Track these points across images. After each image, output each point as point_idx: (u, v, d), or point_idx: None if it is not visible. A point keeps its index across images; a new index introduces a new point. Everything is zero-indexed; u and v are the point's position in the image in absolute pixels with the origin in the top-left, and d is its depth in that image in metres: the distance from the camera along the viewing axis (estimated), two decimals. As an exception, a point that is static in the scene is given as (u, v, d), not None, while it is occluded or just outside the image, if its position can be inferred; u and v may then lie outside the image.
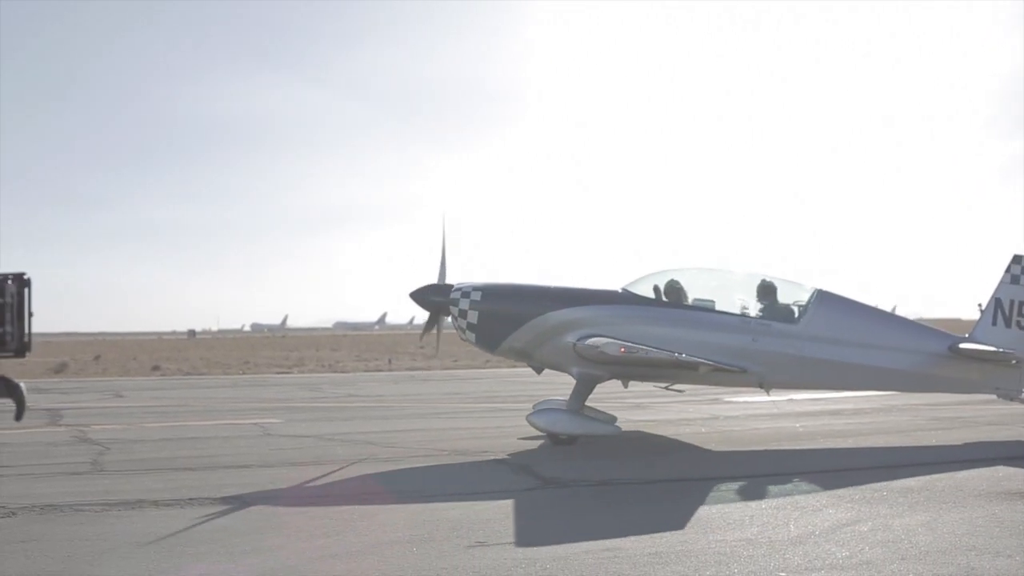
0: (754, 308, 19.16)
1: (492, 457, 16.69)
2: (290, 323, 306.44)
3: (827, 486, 13.41)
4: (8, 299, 4.78)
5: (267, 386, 37.73)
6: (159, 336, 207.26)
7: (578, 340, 18.13)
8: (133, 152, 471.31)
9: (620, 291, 19.41)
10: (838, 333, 18.83)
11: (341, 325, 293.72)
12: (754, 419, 22.65)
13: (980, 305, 20.12)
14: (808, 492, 13.04)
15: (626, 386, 20.70)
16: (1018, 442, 18.38)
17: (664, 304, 19.20)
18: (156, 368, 53.79)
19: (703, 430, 20.68)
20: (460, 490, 13.47)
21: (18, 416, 4.72)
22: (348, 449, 17.68)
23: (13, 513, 11.76)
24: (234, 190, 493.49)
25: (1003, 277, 19.67)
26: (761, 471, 15.12)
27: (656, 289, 19.36)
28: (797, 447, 18.13)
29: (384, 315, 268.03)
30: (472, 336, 19.34)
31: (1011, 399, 19.48)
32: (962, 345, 19.09)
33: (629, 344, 17.59)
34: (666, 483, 14.01)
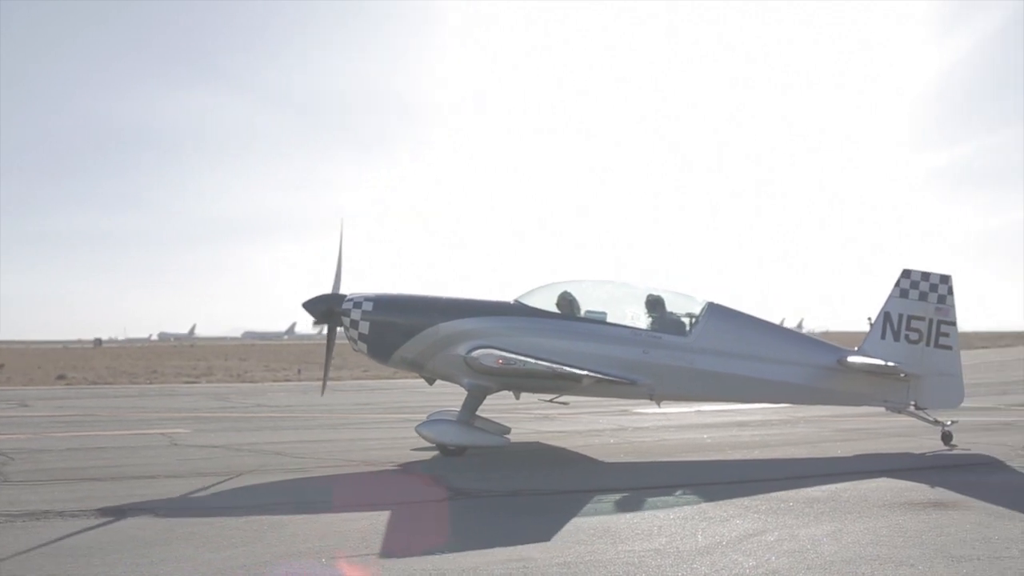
0: (645, 321, 19.32)
1: (402, 468, 16.70)
2: (198, 332, 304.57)
3: (734, 496, 13.53)
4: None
5: (175, 396, 37.44)
6: (64, 345, 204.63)
7: (467, 352, 18.16)
8: (41, 159, 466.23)
9: (512, 303, 19.48)
10: (728, 346, 19.07)
11: (250, 335, 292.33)
12: (662, 430, 22.83)
13: (870, 319, 20.45)
14: (715, 502, 13.14)
15: (517, 397, 20.74)
16: (921, 454, 18.67)
17: (556, 316, 19.28)
18: (61, 377, 53.17)
19: (612, 441, 20.83)
20: (370, 501, 13.44)
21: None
22: (257, 459, 17.59)
23: (-85, 524, 11.59)
24: (143, 198, 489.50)
25: (892, 291, 20.05)
26: (669, 482, 15.22)
27: (548, 301, 19.45)
28: (705, 458, 18.30)
29: (293, 325, 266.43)
30: (364, 347, 19.36)
31: (899, 411, 19.86)
32: (850, 359, 19.45)
33: (507, 355, 17.67)
34: (575, 493, 14.05)
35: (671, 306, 19.55)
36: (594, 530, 11.31)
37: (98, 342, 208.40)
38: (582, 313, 19.41)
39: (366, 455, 18.19)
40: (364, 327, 19.19)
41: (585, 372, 17.90)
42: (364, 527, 11.55)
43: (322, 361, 20.37)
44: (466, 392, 18.79)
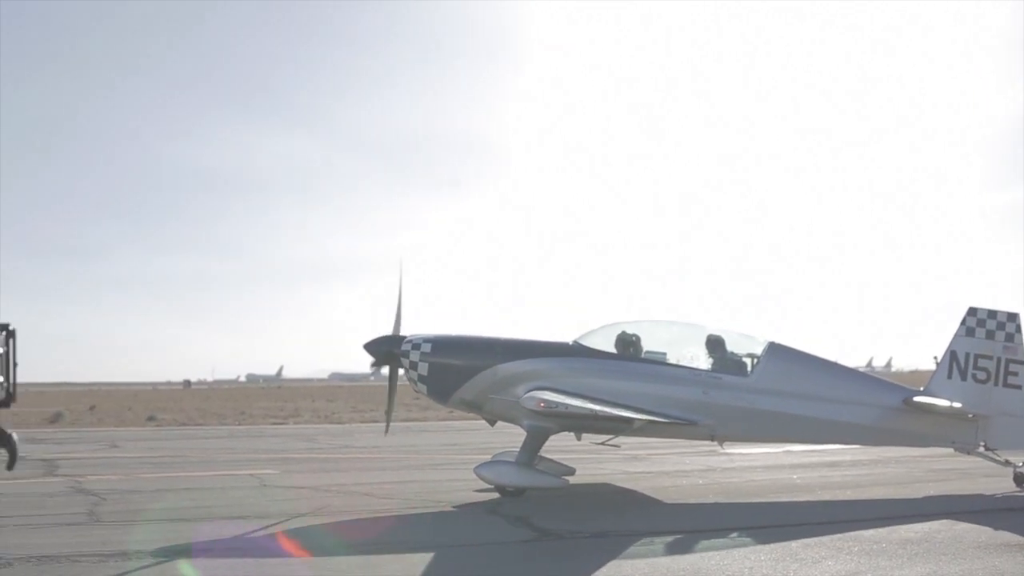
0: (705, 361, 19.11)
1: (489, 509, 16.65)
2: (285, 374, 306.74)
3: (826, 538, 13.36)
4: (0, 349, 4.81)
5: (263, 437, 37.64)
6: (154, 386, 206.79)
7: (525, 393, 18.02)
8: (129, 203, 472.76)
9: (571, 343, 19.38)
10: (790, 386, 18.76)
11: (336, 376, 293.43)
12: (750, 471, 22.62)
13: (936, 358, 20.10)
14: (807, 544, 12.97)
15: (578, 439, 20.51)
16: (1015, 495, 18.33)
17: (615, 357, 19.13)
18: (151, 418, 53.66)
19: (700, 482, 20.64)
20: (456, 541, 13.44)
21: (10, 465, 4.73)
22: (345, 500, 17.64)
23: (9, 564, 11.71)
24: (229, 241, 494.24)
25: (958, 330, 19.61)
26: (759, 523, 15.04)
27: (607, 341, 19.30)
28: (795, 499, 18.10)
29: (380, 368, 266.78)
30: (424, 388, 19.42)
31: (968, 452, 19.44)
32: (916, 399, 19.04)
33: (548, 399, 17.48)
34: (665, 535, 13.93)
35: (732, 346, 19.33)
36: (685, 571, 11.20)
37: (187, 384, 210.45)
38: (642, 354, 19.25)
39: (452, 496, 18.16)
40: (423, 368, 19.23)
41: (632, 414, 17.70)
42: (452, 569, 11.54)
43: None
44: (526, 433, 18.65)
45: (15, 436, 4.42)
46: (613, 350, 19.24)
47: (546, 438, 18.72)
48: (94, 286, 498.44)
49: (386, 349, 19.60)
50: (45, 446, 31.11)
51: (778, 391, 18.67)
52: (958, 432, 19.21)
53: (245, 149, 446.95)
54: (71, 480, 20.98)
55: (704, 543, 13.29)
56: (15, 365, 4.70)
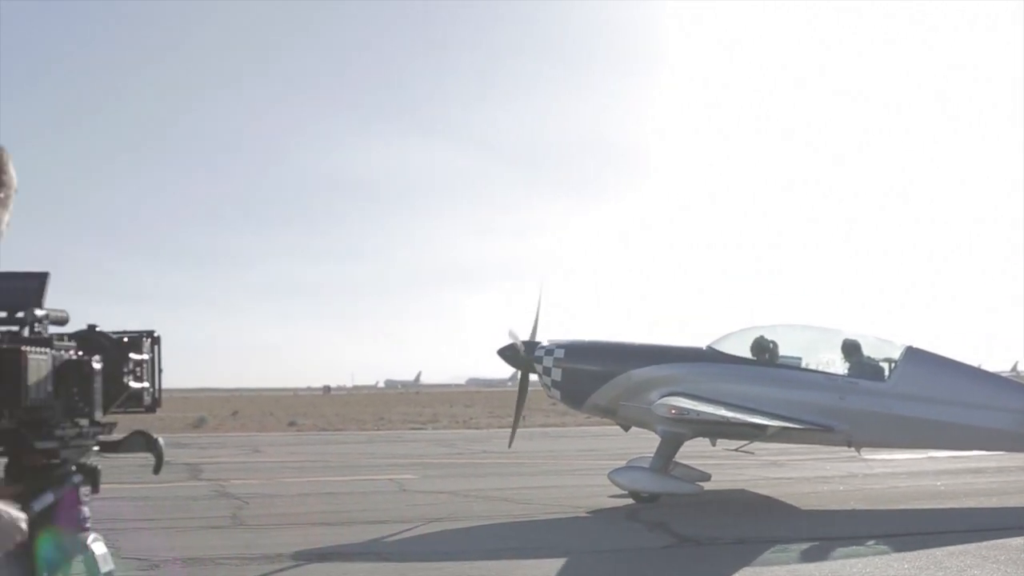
0: (841, 366, 18.77)
1: (628, 514, 16.56)
2: (423, 379, 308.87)
3: (971, 546, 13.06)
4: (147, 356, 4.84)
5: (402, 442, 37.91)
6: (295, 392, 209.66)
7: (659, 399, 17.80)
8: (268, 212, 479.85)
9: (704, 348, 19.21)
10: (929, 391, 18.17)
11: (474, 381, 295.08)
12: (892, 477, 22.22)
13: None
14: (952, 552, 12.68)
15: (713, 444, 20.19)
16: None
17: (749, 362, 18.87)
18: (292, 424, 54.31)
19: (841, 488, 20.34)
20: (595, 547, 13.38)
21: (157, 470, 4.76)
22: (483, 505, 17.66)
23: (156, 566, 11.94)
24: (366, 248, 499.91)
25: None
26: (902, 530, 14.78)
27: (741, 346, 19.05)
28: (938, 506, 17.73)
29: (516, 371, 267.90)
30: (557, 393, 19.41)
31: None
32: None
33: (679, 405, 17.23)
34: (804, 541, 13.72)
35: (869, 351, 18.91)
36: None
37: (327, 389, 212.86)
38: (777, 359, 18.98)
39: (591, 501, 18.08)
40: (557, 374, 19.18)
41: (764, 420, 17.42)
42: (589, 574, 11.49)
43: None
44: (660, 439, 18.45)
45: (161, 441, 4.49)
46: (748, 355, 18.98)
47: (680, 444, 18.49)
48: (237, 294, 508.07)
49: (519, 354, 19.61)
50: (189, 451, 31.62)
51: (916, 396, 18.13)
52: None
53: (383, 157, 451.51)
54: (215, 484, 21.30)
55: (844, 550, 13.07)
56: (160, 371, 4.77)
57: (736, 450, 19.93)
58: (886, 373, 18.61)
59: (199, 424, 52.93)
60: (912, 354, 18.64)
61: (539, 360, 19.35)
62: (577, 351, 19.40)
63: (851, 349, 18.85)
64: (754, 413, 17.66)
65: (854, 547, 13.28)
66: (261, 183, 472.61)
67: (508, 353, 19.81)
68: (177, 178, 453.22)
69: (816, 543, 13.61)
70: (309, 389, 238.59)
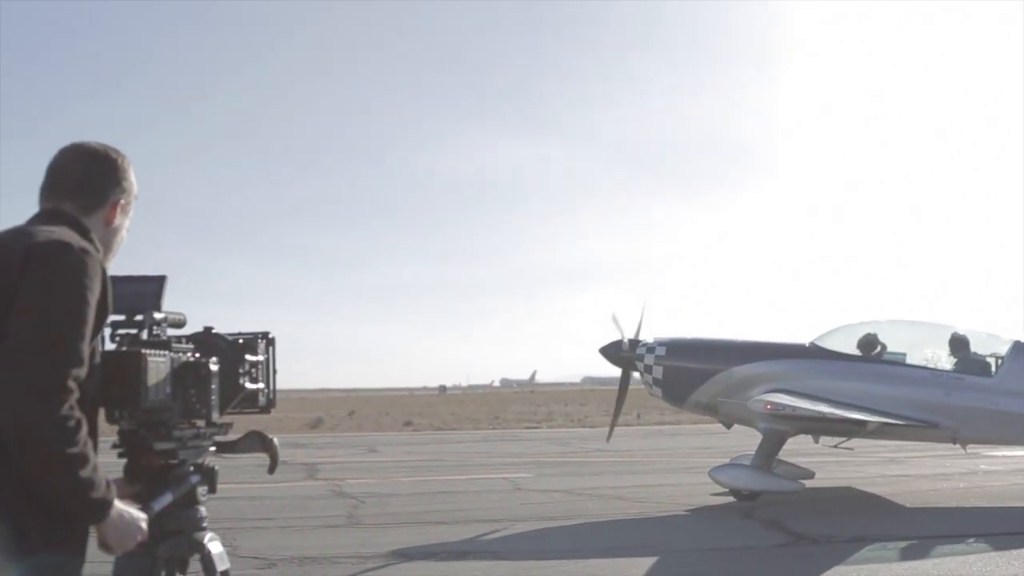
0: (947, 361, 18.48)
1: (742, 512, 16.46)
2: (539, 378, 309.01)
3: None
4: (262, 357, 4.91)
5: (517, 441, 37.99)
6: (411, 392, 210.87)
7: (759, 396, 17.66)
8: (383, 214, 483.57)
9: (807, 345, 19.04)
10: None
11: (589, 380, 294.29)
12: (1015, 474, 21.81)
13: None
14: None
15: (816, 441, 19.86)
16: None
17: (852, 358, 18.68)
18: (408, 423, 54.64)
19: (961, 485, 20.05)
20: (711, 545, 13.32)
21: (271, 470, 4.84)
22: (597, 504, 17.64)
23: (273, 564, 12.08)
24: (482, 248, 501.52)
25: None
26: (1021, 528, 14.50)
27: (844, 342, 18.88)
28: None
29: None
30: (659, 391, 19.42)
31: None
32: None
33: (775, 401, 17.13)
34: (923, 539, 13.53)
35: (976, 346, 18.56)
36: (945, 577, 10.89)
37: (442, 389, 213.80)
38: (882, 355, 18.77)
39: (706, 499, 17.99)
40: (658, 372, 19.21)
41: (865, 416, 17.17)
42: (706, 571, 11.45)
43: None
44: (762, 436, 18.32)
45: (276, 441, 4.56)
46: (851, 351, 18.82)
47: (783, 441, 18.35)
48: (353, 295, 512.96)
49: (622, 352, 19.72)
50: (307, 451, 31.93)
51: None
52: None
53: (497, 157, 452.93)
54: (331, 484, 21.49)
55: (964, 547, 12.87)
56: (274, 372, 4.85)
57: (835, 447, 19.71)
58: (993, 369, 18.30)
59: (316, 424, 53.51)
60: (1020, 349, 18.25)
61: (640, 358, 19.39)
62: (678, 348, 19.41)
63: (959, 345, 18.56)
64: (854, 409, 17.47)
65: (977, 544, 13.12)
66: (379, 186, 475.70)
67: (610, 351, 19.89)
68: (294, 182, 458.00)
69: (940, 540, 13.42)
70: (425, 389, 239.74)
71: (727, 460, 19.32)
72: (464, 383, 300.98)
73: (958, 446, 18.78)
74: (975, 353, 18.52)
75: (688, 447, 31.78)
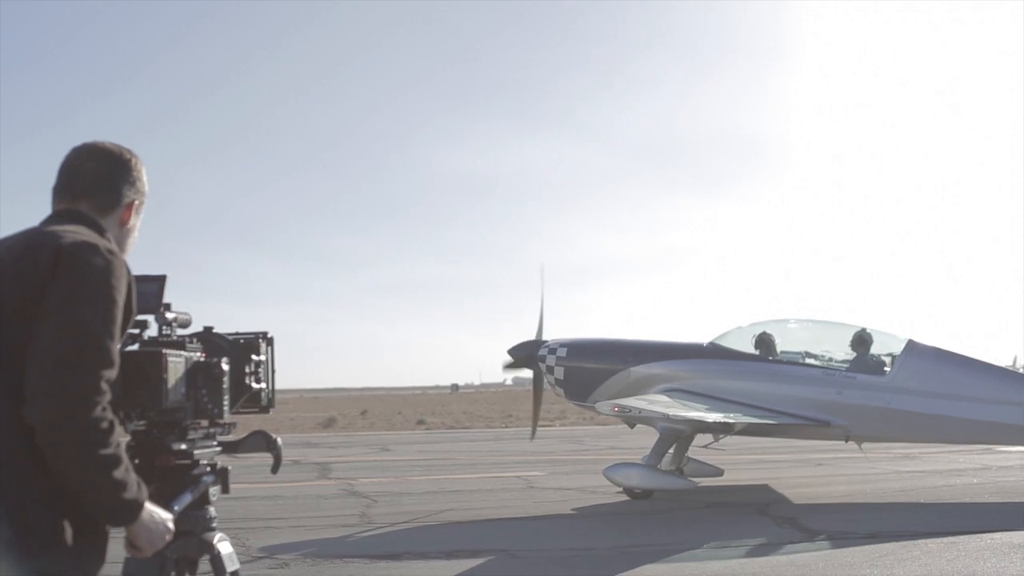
0: (843, 360, 18.68)
1: (757, 509, 16.45)
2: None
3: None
4: (263, 357, 4.92)
5: (529, 439, 37.93)
6: (423, 391, 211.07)
7: (658, 394, 18.06)
8: (395, 211, 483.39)
9: (705, 345, 19.28)
10: (929, 385, 17.86)
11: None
12: (1028, 469, 21.79)
13: None
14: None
15: (717, 440, 19.94)
16: None
17: (750, 358, 18.90)
18: (421, 422, 54.67)
19: (975, 481, 20.02)
20: (725, 542, 13.30)
21: (275, 469, 4.85)
22: (611, 501, 17.65)
23: (286, 564, 12.08)
24: (493, 245, 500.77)
25: None
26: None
27: (744, 342, 19.16)
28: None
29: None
30: (562, 391, 19.89)
31: None
32: None
33: (621, 403, 17.26)
34: (939, 535, 13.48)
35: (874, 345, 18.72)
36: (960, 574, 10.84)
37: (455, 387, 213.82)
38: (778, 354, 18.97)
39: (717, 497, 18.03)
40: (560, 372, 19.66)
41: (716, 416, 17.15)
42: (716, 570, 11.44)
43: (537, 405, 20.73)
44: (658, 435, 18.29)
45: (280, 441, 4.58)
46: (749, 350, 19.06)
47: (675, 440, 18.42)
48: (365, 293, 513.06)
49: (527, 353, 20.15)
50: (319, 450, 31.99)
51: (916, 390, 17.86)
52: None
53: (508, 153, 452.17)
54: (344, 483, 21.52)
55: (978, 545, 12.83)
56: (273, 372, 4.89)
57: (706, 447, 19.81)
58: (887, 367, 18.43)
59: (329, 424, 53.58)
60: (912, 347, 18.43)
61: (542, 359, 19.82)
62: (579, 349, 19.84)
63: (859, 343, 18.72)
64: (740, 408, 17.76)
65: (990, 540, 13.07)
66: (391, 183, 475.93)
67: (516, 352, 20.41)
68: (308, 180, 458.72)
69: (951, 537, 13.38)
70: (437, 387, 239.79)
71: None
72: (476, 381, 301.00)
73: (852, 443, 18.92)
74: (871, 352, 18.69)
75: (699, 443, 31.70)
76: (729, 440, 19.45)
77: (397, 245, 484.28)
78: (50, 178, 4.19)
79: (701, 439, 19.68)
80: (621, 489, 18.04)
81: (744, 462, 23.30)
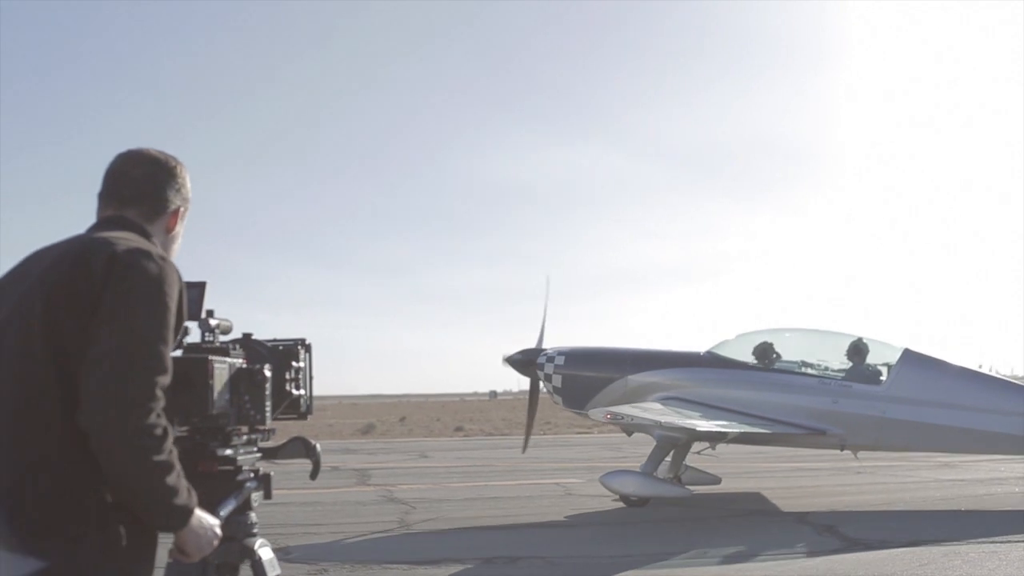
0: (838, 370, 18.78)
1: (796, 517, 16.40)
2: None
3: None
4: (302, 363, 4.96)
5: (568, 446, 37.96)
6: (462, 397, 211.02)
7: (655, 403, 18.12)
8: (433, 218, 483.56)
9: (703, 354, 19.39)
10: (924, 394, 17.96)
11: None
12: (1073, 478, 21.63)
13: None
14: None
15: (713, 448, 20.13)
16: None
17: (747, 367, 18.97)
18: (459, 429, 54.72)
19: (1016, 490, 19.89)
20: (764, 551, 13.26)
21: (313, 475, 4.88)
22: (649, 509, 17.59)
23: (325, 570, 12.13)
24: (531, 252, 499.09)
25: None
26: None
27: (741, 351, 19.22)
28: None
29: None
30: (560, 399, 20.06)
31: None
32: None
33: (614, 410, 17.49)
34: (980, 543, 13.42)
35: (870, 354, 18.80)
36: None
37: (493, 394, 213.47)
38: (775, 363, 18.99)
39: (759, 504, 18.02)
40: (558, 380, 19.80)
41: (708, 426, 17.16)
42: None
43: (531, 414, 21.14)
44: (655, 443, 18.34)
45: (319, 447, 4.61)
46: (747, 359, 19.12)
47: (672, 448, 18.46)
48: (403, 300, 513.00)
49: (526, 361, 20.34)
50: (358, 456, 32.08)
51: (912, 400, 17.94)
52: None
53: (544, 161, 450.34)
54: (383, 489, 21.57)
55: (1021, 552, 12.76)
56: (311, 378, 4.93)
57: (698, 453, 19.75)
58: (883, 376, 18.47)
59: (368, 430, 53.72)
60: (909, 357, 18.50)
61: (541, 367, 19.95)
62: (577, 357, 19.97)
63: (855, 353, 18.82)
64: (739, 417, 17.83)
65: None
66: (424, 188, 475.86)
67: (516, 360, 20.53)
68: (344, 189, 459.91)
69: (986, 545, 13.32)
70: (476, 394, 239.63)
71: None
72: (515, 388, 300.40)
73: (848, 452, 18.90)
74: (868, 361, 18.77)
75: (744, 452, 31.63)
76: (759, 449, 19.41)
77: (436, 252, 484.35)
78: (93, 181, 4.24)
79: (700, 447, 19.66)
80: (617, 497, 18.09)
81: (782, 470, 23.24)
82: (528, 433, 21.80)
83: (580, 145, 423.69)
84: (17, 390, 3.63)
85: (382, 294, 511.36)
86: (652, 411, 17.46)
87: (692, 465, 19.64)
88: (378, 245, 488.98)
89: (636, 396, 18.91)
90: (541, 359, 20.08)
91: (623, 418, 17.59)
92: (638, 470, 18.22)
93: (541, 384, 20.33)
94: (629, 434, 20.29)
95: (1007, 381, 19.74)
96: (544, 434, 47.66)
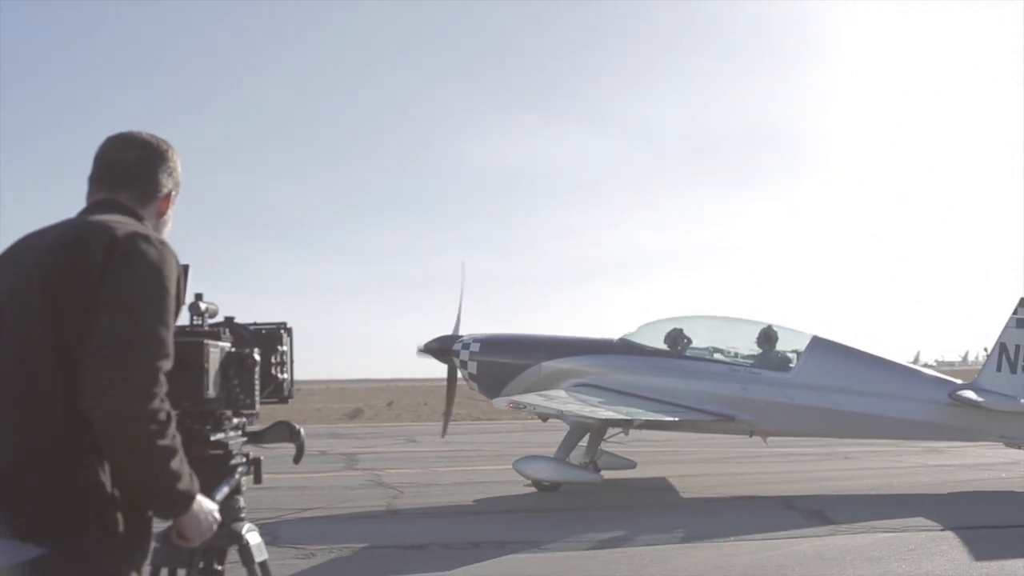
0: (748, 356, 18.95)
1: (783, 503, 16.43)
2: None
3: None
4: (286, 348, 4.95)
5: (556, 431, 37.88)
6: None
7: (568, 389, 18.29)
8: (423, 204, 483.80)
9: (616, 341, 19.53)
10: (831, 381, 18.20)
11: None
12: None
13: (985, 349, 19.04)
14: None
15: (627, 434, 19.99)
16: None
17: (659, 353, 19.10)
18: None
19: (1003, 475, 19.97)
20: (751, 534, 13.30)
21: (297, 459, 4.88)
22: (637, 493, 17.70)
23: (312, 555, 12.11)
24: (521, 238, 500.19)
25: (1008, 320, 18.55)
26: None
27: (654, 338, 19.39)
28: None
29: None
30: (476, 386, 20.34)
31: (1019, 447, 18.34)
32: (960, 392, 17.96)
33: (517, 400, 17.63)
34: (967, 529, 13.45)
35: (779, 342, 19.00)
36: (990, 569, 10.85)
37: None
38: (687, 350, 19.14)
39: (747, 488, 18.05)
40: (473, 367, 20.11)
41: (609, 414, 17.30)
42: (746, 562, 11.43)
43: (450, 400, 21.52)
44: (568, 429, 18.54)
45: (303, 432, 4.63)
46: (659, 346, 19.27)
47: (583, 434, 18.63)
48: (392, 285, 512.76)
49: (442, 347, 20.53)
50: (346, 441, 32.03)
51: (820, 386, 18.17)
52: (1008, 426, 18.09)
53: (538, 148, 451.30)
54: (371, 474, 21.54)
55: (1007, 538, 12.81)
56: (293, 362, 4.95)
57: (607, 439, 19.82)
58: (792, 363, 18.66)
59: (355, 415, 53.64)
60: (817, 344, 18.71)
61: (457, 354, 20.13)
62: (491, 344, 20.21)
63: (765, 340, 19.00)
64: (640, 403, 18.00)
65: (1015, 534, 13.07)
66: (413, 173, 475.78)
67: (432, 347, 20.72)
68: (337, 174, 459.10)
69: (973, 530, 13.36)
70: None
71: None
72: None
73: (757, 438, 19.13)
74: (777, 348, 18.96)
75: (722, 438, 31.65)
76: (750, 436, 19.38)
77: (424, 237, 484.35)
78: (80, 166, 4.22)
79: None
80: (530, 482, 18.21)
81: (769, 455, 23.24)
82: (447, 420, 22.07)
83: (571, 132, 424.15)
84: (16, 377, 3.61)
85: (370, 279, 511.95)
86: (556, 400, 17.61)
87: (608, 451, 19.77)
88: (366, 230, 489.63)
89: (550, 383, 19.05)
90: (457, 346, 20.26)
91: (525, 407, 17.60)
92: (551, 456, 18.36)
93: (458, 372, 20.46)
94: (544, 420, 20.30)
95: (911, 367, 19.94)
96: (532, 419, 47.61)
